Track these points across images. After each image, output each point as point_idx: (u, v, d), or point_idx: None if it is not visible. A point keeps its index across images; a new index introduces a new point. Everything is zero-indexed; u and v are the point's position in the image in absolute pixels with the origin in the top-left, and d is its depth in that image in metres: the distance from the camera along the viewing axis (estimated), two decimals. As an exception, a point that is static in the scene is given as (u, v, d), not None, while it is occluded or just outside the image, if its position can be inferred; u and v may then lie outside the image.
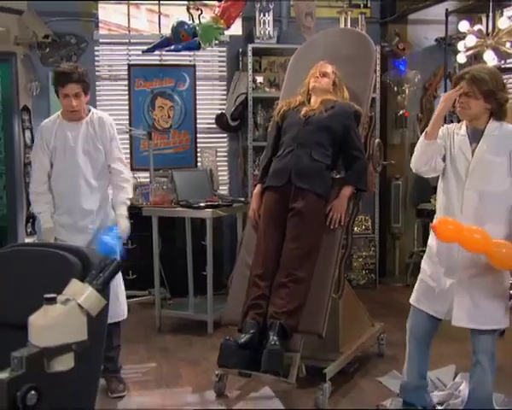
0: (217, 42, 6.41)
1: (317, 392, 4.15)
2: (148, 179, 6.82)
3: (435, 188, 3.81)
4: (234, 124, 7.46)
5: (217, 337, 5.21)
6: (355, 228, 7.10)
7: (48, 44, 6.96)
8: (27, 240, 6.79)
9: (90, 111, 4.40)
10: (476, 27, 6.58)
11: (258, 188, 4.58)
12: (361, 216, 7.41)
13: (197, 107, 7.53)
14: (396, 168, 7.53)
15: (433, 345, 3.84)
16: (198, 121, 7.55)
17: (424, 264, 3.77)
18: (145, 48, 6.69)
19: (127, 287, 6.06)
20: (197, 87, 7.51)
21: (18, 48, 6.87)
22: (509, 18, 6.33)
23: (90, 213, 4.32)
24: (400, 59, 7.66)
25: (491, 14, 6.63)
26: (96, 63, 7.29)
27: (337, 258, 4.27)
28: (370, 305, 5.55)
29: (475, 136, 3.54)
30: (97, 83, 7.26)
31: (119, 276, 4.21)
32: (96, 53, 7.29)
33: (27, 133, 6.94)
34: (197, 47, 6.33)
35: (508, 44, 6.30)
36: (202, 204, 5.77)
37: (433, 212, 3.83)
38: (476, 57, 6.72)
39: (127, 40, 7.40)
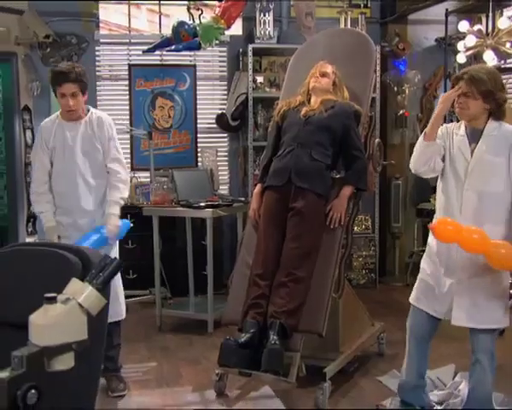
0: (217, 42, 6.41)
1: (317, 391, 4.15)
2: (149, 179, 6.83)
3: (435, 188, 3.80)
4: (234, 124, 7.46)
5: (217, 337, 5.21)
6: (355, 228, 7.11)
7: (48, 44, 6.97)
8: (28, 240, 6.80)
9: (89, 111, 4.40)
10: (476, 27, 6.58)
11: (258, 188, 4.59)
12: (361, 216, 7.42)
13: (197, 107, 7.54)
14: (396, 168, 7.54)
15: (432, 345, 3.85)
16: (198, 121, 7.56)
17: (424, 263, 3.77)
18: (146, 48, 6.70)
19: (128, 286, 6.09)
20: (197, 87, 7.52)
21: (19, 48, 6.88)
22: (509, 18, 6.33)
23: (89, 212, 4.32)
24: (400, 59, 7.66)
25: (490, 15, 6.63)
26: (97, 63, 7.30)
27: (337, 257, 4.27)
28: (370, 304, 5.56)
29: (474, 136, 3.54)
30: (98, 83, 7.28)
31: (118, 275, 4.22)
32: (97, 53, 7.30)
33: (28, 133, 6.95)
34: (197, 47, 6.33)
35: (507, 44, 6.30)
36: (202, 204, 5.78)
37: (433, 211, 3.83)
38: (476, 57, 6.73)
39: (128, 40, 7.41)
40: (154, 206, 6.10)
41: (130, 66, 7.36)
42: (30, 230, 6.98)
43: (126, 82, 7.37)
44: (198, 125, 7.56)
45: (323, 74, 4.56)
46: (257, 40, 7.21)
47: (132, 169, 7.28)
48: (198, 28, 6.19)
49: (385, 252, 7.85)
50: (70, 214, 4.31)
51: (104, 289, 1.74)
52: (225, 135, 7.67)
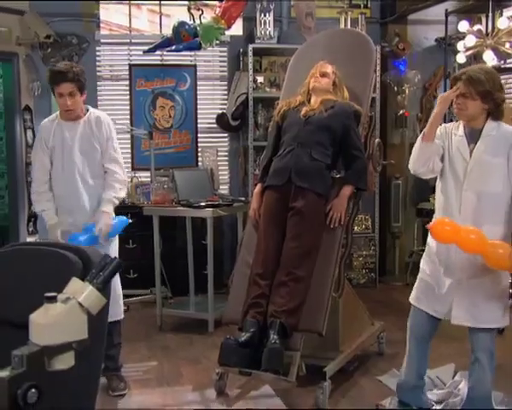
0: (217, 42, 6.43)
1: (316, 391, 4.16)
2: (149, 179, 6.84)
3: (435, 187, 3.80)
4: (234, 124, 7.47)
5: (217, 336, 5.22)
6: (355, 227, 7.13)
7: (49, 45, 6.98)
8: (29, 239, 6.81)
9: (88, 111, 4.40)
10: (476, 27, 6.57)
11: (258, 187, 4.60)
12: (361, 215, 7.43)
13: (198, 107, 7.55)
14: (396, 168, 7.54)
15: (432, 344, 3.84)
16: (199, 121, 7.57)
17: (423, 263, 3.77)
18: (146, 48, 6.72)
19: (128, 286, 6.12)
20: (198, 87, 7.53)
21: (20, 48, 6.89)
22: (509, 18, 6.34)
23: (88, 211, 4.32)
24: (400, 59, 7.66)
25: (490, 15, 6.63)
26: (98, 63, 7.31)
27: (337, 257, 4.28)
28: (370, 304, 5.56)
29: (473, 136, 3.54)
30: (99, 83, 7.30)
31: (117, 275, 4.22)
32: (98, 53, 7.32)
33: (29, 133, 6.96)
34: (198, 47, 6.35)
35: (507, 44, 6.30)
36: (203, 204, 5.79)
37: (433, 211, 3.82)
38: (476, 57, 6.73)
39: (128, 40, 7.42)
40: (155, 205, 6.11)
41: (130, 66, 7.37)
42: (31, 229, 6.99)
43: (127, 82, 7.39)
44: (198, 125, 7.57)
45: (323, 74, 4.57)
46: (257, 40, 7.22)
47: (133, 169, 7.31)
48: (198, 28, 6.21)
49: (385, 251, 7.86)
50: (70, 214, 4.32)
51: (104, 288, 1.74)
52: (226, 135, 7.68)
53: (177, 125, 7.50)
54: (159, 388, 4.63)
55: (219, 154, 7.54)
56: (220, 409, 4.29)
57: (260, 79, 7.44)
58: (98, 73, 7.30)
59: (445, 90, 6.72)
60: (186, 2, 6.64)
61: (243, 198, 6.53)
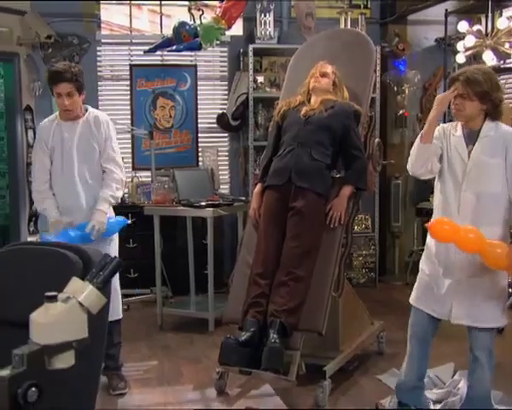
0: (218, 42, 6.44)
1: (316, 390, 4.17)
2: (150, 179, 6.85)
3: (434, 188, 3.82)
4: (235, 124, 7.48)
5: (218, 335, 5.23)
6: (355, 227, 7.13)
7: (50, 45, 6.99)
8: (30, 239, 6.82)
9: (87, 110, 4.40)
10: (475, 28, 6.58)
11: (258, 187, 4.60)
12: (361, 215, 7.43)
13: (198, 106, 7.55)
14: (396, 168, 7.54)
15: (432, 343, 3.83)
16: (199, 121, 7.57)
17: (423, 264, 3.76)
18: (147, 48, 6.73)
19: (129, 285, 6.14)
20: (198, 87, 7.54)
21: (21, 48, 6.90)
22: (508, 18, 6.34)
23: (87, 211, 4.31)
24: (400, 59, 7.67)
25: (490, 15, 6.65)
26: (98, 63, 7.32)
27: (337, 256, 4.29)
28: (370, 303, 5.57)
29: (471, 137, 3.53)
30: (99, 83, 7.31)
31: (117, 275, 4.22)
32: (98, 53, 7.32)
33: (30, 133, 6.97)
34: (198, 47, 6.36)
35: (507, 45, 6.31)
36: (203, 203, 5.80)
37: (433, 211, 3.83)
38: (475, 57, 6.74)
39: (129, 40, 7.43)
40: (155, 205, 6.12)
41: (131, 66, 7.38)
42: (32, 229, 7.00)
43: (127, 82, 7.39)
44: (199, 125, 7.58)
45: (323, 74, 4.58)
46: (257, 40, 7.22)
47: (133, 169, 7.31)
48: (199, 28, 6.22)
49: (385, 251, 7.87)
50: (70, 214, 4.31)
51: (104, 287, 1.75)
52: (226, 135, 7.69)
53: (177, 125, 7.51)
54: (159, 387, 4.63)
55: (220, 154, 7.55)
56: (220, 409, 4.29)
57: (260, 79, 7.45)
58: (99, 73, 7.31)
59: (444, 90, 6.72)
60: (186, 3, 6.65)
61: (243, 198, 6.53)
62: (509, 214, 3.51)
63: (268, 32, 7.22)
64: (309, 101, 4.58)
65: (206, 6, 6.77)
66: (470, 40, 6.47)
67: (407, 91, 7.66)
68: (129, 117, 7.36)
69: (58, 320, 1.62)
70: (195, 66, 7.51)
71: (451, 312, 3.57)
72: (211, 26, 6.21)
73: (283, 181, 4.34)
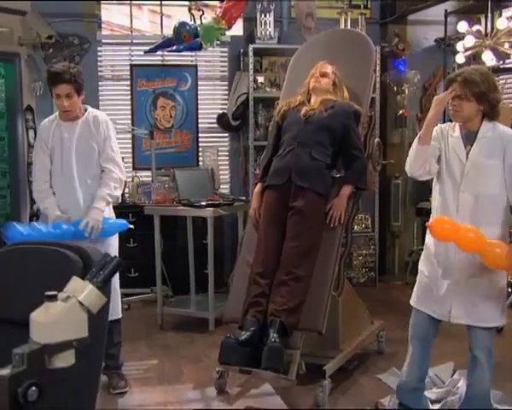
0: (218, 42, 6.44)
1: (316, 389, 4.17)
2: (150, 178, 6.86)
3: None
4: (235, 123, 7.49)
5: (218, 335, 5.25)
6: (355, 226, 7.14)
7: (51, 45, 6.99)
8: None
9: (86, 111, 4.40)
10: (475, 28, 6.59)
11: (258, 187, 4.61)
12: (361, 215, 7.44)
13: (199, 106, 7.56)
14: (395, 167, 7.54)
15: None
16: (199, 121, 7.58)
17: (422, 265, 3.76)
18: (147, 48, 6.73)
19: (129, 285, 6.14)
20: (199, 87, 7.54)
21: (22, 48, 6.91)
22: (508, 18, 6.35)
23: (85, 211, 4.29)
24: (400, 59, 7.67)
25: (489, 15, 6.65)
26: (99, 63, 7.33)
27: (337, 256, 4.29)
28: (370, 303, 5.58)
29: (469, 138, 3.53)
30: (100, 83, 7.32)
31: (117, 275, 4.22)
32: (99, 53, 7.33)
33: (31, 133, 6.98)
34: (199, 47, 6.36)
35: (506, 45, 6.31)
36: (204, 203, 5.80)
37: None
38: (475, 58, 6.74)
39: (129, 41, 7.43)
40: (156, 205, 6.13)
41: (131, 66, 7.39)
42: (32, 229, 7.00)
43: (128, 82, 7.40)
44: (199, 125, 7.58)
45: (323, 74, 4.58)
46: (257, 40, 7.23)
47: (134, 168, 7.32)
48: (199, 29, 6.22)
49: (384, 251, 7.88)
50: (68, 213, 4.30)
51: (104, 287, 1.76)
52: (226, 135, 7.70)
53: (177, 124, 7.52)
54: (159, 386, 4.64)
55: (220, 153, 7.56)
56: (220, 408, 4.30)
57: (261, 79, 7.45)
58: (99, 74, 7.32)
59: (444, 91, 6.73)
60: (187, 3, 6.65)
61: (244, 198, 6.53)
62: (507, 215, 3.52)
63: (268, 32, 7.23)
64: (309, 101, 4.58)
65: (207, 6, 6.77)
66: (470, 40, 6.47)
67: (407, 91, 7.67)
68: (129, 117, 7.36)
69: (58, 319, 1.62)
70: (196, 66, 7.51)
71: (451, 312, 3.58)
72: (211, 27, 6.21)
73: (283, 181, 4.35)
